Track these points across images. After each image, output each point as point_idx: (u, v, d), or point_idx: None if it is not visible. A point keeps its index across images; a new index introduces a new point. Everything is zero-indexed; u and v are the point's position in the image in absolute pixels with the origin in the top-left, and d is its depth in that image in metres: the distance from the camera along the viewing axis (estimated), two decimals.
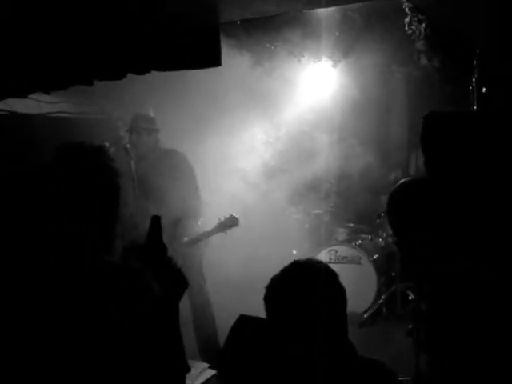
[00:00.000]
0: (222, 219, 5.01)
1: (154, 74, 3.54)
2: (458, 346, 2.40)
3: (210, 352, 5.14)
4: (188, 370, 1.87)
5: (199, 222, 5.29)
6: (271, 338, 2.19)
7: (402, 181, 2.70)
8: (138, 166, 5.06)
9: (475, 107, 2.89)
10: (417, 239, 2.50)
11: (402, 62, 6.51)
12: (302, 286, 2.07)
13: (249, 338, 3.73)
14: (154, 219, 1.97)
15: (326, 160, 6.95)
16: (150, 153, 5.30)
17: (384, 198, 7.03)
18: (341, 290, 2.13)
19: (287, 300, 2.09)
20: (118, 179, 1.92)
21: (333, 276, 2.14)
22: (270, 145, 6.45)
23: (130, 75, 3.50)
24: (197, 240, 5.04)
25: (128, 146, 5.07)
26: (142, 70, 3.43)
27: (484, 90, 2.80)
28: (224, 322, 5.05)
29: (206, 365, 4.02)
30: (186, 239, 5.03)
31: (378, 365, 2.10)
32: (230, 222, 5.05)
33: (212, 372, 3.88)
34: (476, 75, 2.88)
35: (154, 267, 1.87)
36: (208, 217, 5.26)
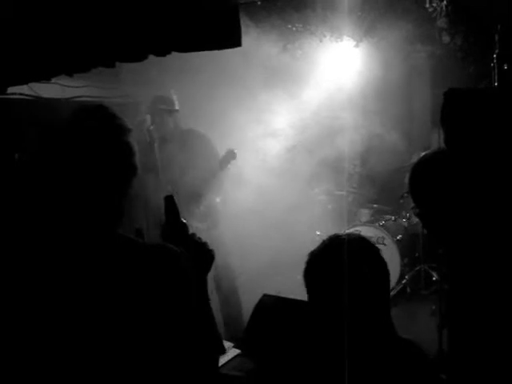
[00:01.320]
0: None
1: (177, 56, 3.55)
2: (479, 324, 2.39)
3: (234, 331, 5.20)
4: (223, 351, 1.85)
5: (218, 199, 5.36)
6: (308, 316, 2.16)
7: (424, 153, 2.67)
8: (161, 148, 5.10)
9: (496, 84, 2.86)
10: (438, 209, 2.48)
11: (424, 40, 6.43)
12: (342, 260, 2.00)
13: (272, 317, 3.77)
14: (167, 199, 1.96)
15: (348, 140, 6.92)
16: (172, 134, 5.36)
17: (407, 179, 7.00)
18: (382, 265, 2.09)
19: (327, 275, 2.04)
20: (128, 138, 1.76)
21: (374, 251, 2.11)
22: (293, 125, 6.43)
23: (151, 57, 3.52)
24: (202, 190, 5.12)
25: (151, 127, 5.11)
26: (162, 52, 3.45)
27: (505, 66, 2.77)
28: (248, 303, 5.12)
29: (231, 344, 4.05)
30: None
31: (414, 346, 2.08)
32: (227, 157, 5.18)
33: (236, 351, 3.90)
34: (497, 51, 2.85)
35: (178, 244, 1.83)
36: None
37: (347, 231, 6.43)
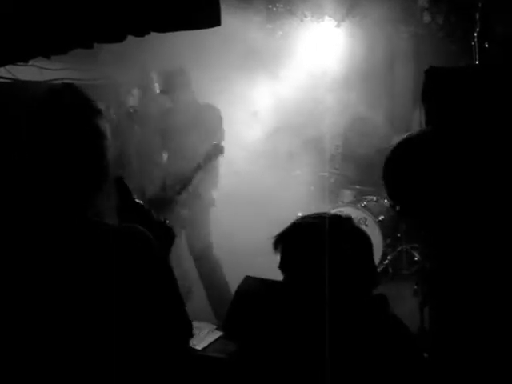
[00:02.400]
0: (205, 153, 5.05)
1: (157, 36, 3.51)
2: (459, 303, 2.40)
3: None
4: (191, 331, 1.84)
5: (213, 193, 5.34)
6: (287, 295, 2.14)
7: (397, 142, 2.65)
8: (167, 119, 5.08)
9: (477, 62, 2.86)
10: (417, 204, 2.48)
11: (406, 20, 6.43)
12: (321, 238, 2.00)
13: (254, 299, 3.77)
14: (117, 181, 1.90)
15: (330, 121, 6.91)
16: (188, 106, 5.30)
17: None
18: (364, 242, 2.09)
19: (302, 253, 2.04)
20: (97, 120, 1.71)
21: (355, 228, 2.11)
22: (274, 106, 6.41)
23: (130, 37, 3.48)
24: (187, 180, 5.05)
25: (131, 110, 5.07)
26: (140, 32, 3.40)
27: (486, 44, 2.77)
28: (231, 285, 5.13)
29: (213, 326, 4.05)
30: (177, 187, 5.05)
31: (402, 325, 2.08)
32: (215, 151, 5.06)
33: (219, 333, 3.91)
34: (478, 30, 2.84)
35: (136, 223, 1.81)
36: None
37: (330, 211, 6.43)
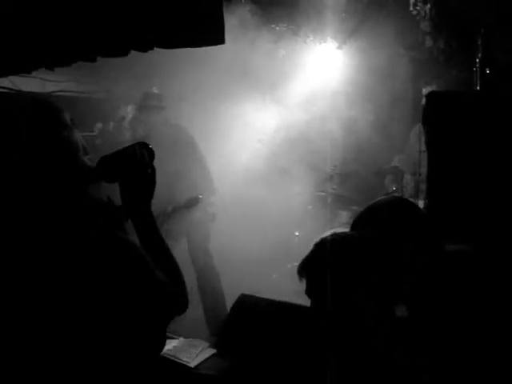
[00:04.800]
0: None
1: (160, 52, 3.53)
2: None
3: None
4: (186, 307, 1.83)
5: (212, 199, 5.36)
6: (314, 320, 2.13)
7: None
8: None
9: (478, 88, 2.88)
10: None
11: (407, 43, 6.47)
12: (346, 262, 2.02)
13: (249, 317, 3.75)
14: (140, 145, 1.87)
15: (330, 142, 6.93)
16: (161, 131, 5.34)
17: (387, 181, 7.04)
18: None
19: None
20: (66, 132, 1.72)
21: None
22: (274, 125, 6.43)
23: (133, 53, 3.50)
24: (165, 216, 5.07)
25: (127, 126, 5.12)
26: (144, 47, 3.42)
27: (487, 70, 2.79)
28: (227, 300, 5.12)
29: (207, 343, 4.03)
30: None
31: None
32: (192, 202, 5.12)
33: (212, 351, 3.89)
34: (480, 55, 2.87)
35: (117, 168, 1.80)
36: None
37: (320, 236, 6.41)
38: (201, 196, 5.15)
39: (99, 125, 6.23)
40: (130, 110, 5.84)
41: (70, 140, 1.74)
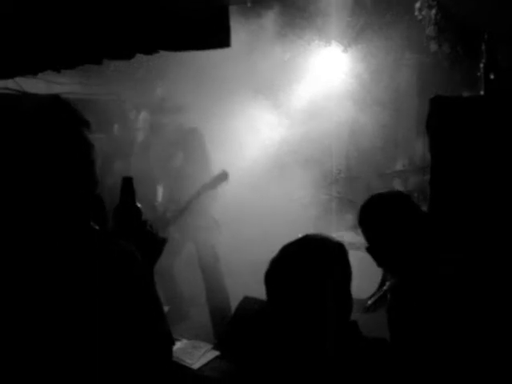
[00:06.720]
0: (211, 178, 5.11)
1: (165, 55, 3.54)
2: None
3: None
4: (172, 342, 1.83)
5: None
6: (272, 320, 2.14)
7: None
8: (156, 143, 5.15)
9: (482, 93, 2.88)
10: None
11: (413, 48, 6.47)
12: (300, 264, 2.01)
13: (251, 320, 3.77)
14: (125, 180, 1.87)
15: (334, 146, 6.94)
16: (175, 133, 5.36)
17: (393, 184, 7.04)
18: (340, 265, 2.07)
19: (287, 280, 2.02)
20: (84, 131, 1.69)
21: (335, 252, 2.10)
22: (279, 129, 6.43)
23: (138, 56, 3.52)
24: (189, 202, 5.09)
25: (140, 128, 5.15)
26: (150, 50, 3.44)
27: (492, 76, 2.79)
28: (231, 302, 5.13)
29: (210, 345, 4.04)
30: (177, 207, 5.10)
31: (380, 342, 2.07)
32: (221, 177, 5.12)
33: (216, 353, 3.89)
34: (484, 60, 2.87)
35: (127, 229, 1.81)
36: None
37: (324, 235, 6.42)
38: (227, 171, 5.18)
39: (115, 126, 6.26)
40: (142, 113, 5.83)
41: (90, 141, 1.71)
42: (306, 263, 2.01)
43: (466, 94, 4.44)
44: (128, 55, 3.49)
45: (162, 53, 3.48)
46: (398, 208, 2.55)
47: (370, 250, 2.62)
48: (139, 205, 1.89)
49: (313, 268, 1.99)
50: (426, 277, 2.38)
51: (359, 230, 6.54)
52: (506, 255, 2.48)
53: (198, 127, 5.39)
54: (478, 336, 2.28)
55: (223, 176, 5.14)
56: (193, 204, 5.06)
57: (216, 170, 5.25)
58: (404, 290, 2.45)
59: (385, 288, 6.43)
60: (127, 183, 1.87)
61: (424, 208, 3.11)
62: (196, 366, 3.64)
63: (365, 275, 6.22)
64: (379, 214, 2.60)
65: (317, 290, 1.97)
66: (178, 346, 3.84)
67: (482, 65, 2.90)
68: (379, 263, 2.63)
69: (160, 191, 5.53)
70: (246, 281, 5.24)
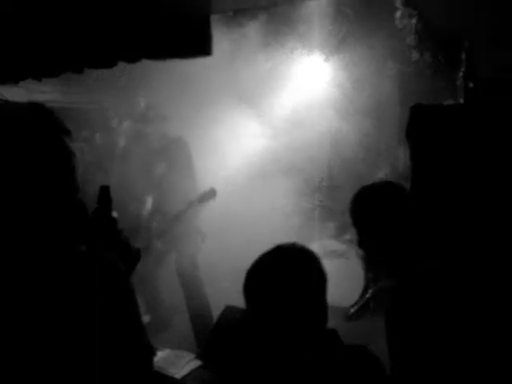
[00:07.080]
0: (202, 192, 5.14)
1: (147, 63, 3.54)
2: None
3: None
4: (153, 352, 1.83)
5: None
6: (251, 329, 2.14)
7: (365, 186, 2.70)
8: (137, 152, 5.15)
9: (461, 101, 2.91)
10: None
11: (395, 57, 6.51)
12: (275, 274, 2.02)
13: (233, 329, 3.76)
14: (103, 189, 1.86)
15: (316, 155, 6.95)
16: (160, 142, 5.36)
17: None
18: (317, 276, 2.08)
19: (263, 290, 2.03)
20: (64, 138, 1.67)
21: (303, 258, 2.10)
22: (260, 138, 6.45)
23: (120, 64, 3.51)
24: (178, 216, 5.11)
25: (121, 136, 5.14)
26: (132, 59, 3.43)
27: (471, 84, 2.82)
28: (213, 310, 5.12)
29: (193, 355, 4.03)
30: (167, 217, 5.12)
31: (360, 349, 2.07)
32: (209, 194, 5.17)
33: (199, 362, 3.89)
34: (464, 69, 2.90)
35: (103, 239, 1.81)
36: None
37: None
38: (214, 188, 5.21)
39: (97, 134, 6.24)
40: (124, 121, 5.82)
41: (71, 149, 1.70)
42: (281, 273, 2.02)
43: (448, 102, 4.47)
44: (110, 64, 3.48)
45: (145, 61, 3.47)
46: (391, 197, 2.51)
47: (361, 243, 2.58)
48: (116, 214, 1.88)
49: (288, 277, 2.00)
50: (425, 277, 2.37)
51: (341, 239, 6.56)
52: (489, 262, 2.49)
53: (183, 136, 5.38)
54: (479, 337, 2.28)
55: (211, 193, 5.18)
56: (180, 219, 5.10)
57: (200, 178, 5.26)
58: (404, 290, 2.43)
59: (367, 296, 6.45)
60: (104, 192, 1.87)
61: None
62: (179, 375, 3.64)
63: (347, 283, 6.25)
64: (372, 204, 2.56)
65: (292, 299, 1.98)
66: (160, 355, 3.83)
67: (461, 74, 2.92)
68: (371, 258, 2.61)
69: (149, 201, 5.53)
70: (228, 289, 5.25)
